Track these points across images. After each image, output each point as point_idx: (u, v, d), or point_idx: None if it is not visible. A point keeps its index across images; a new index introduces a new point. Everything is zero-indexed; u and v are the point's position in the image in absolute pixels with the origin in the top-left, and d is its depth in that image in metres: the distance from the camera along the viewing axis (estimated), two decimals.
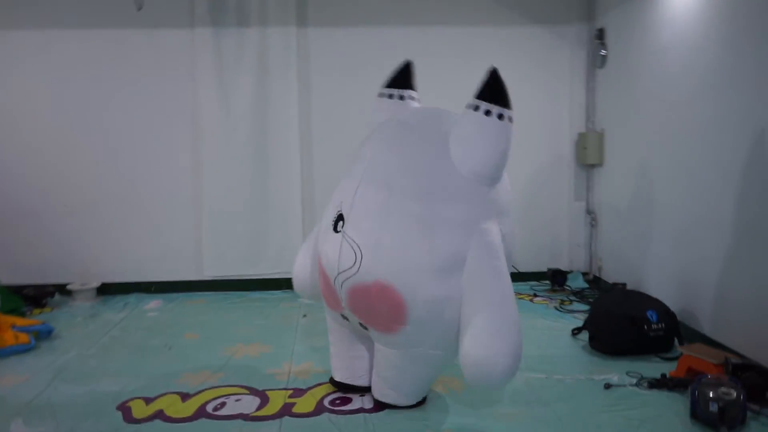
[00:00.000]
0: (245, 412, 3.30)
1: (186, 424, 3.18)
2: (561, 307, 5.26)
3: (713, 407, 2.91)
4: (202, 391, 3.60)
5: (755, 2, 3.61)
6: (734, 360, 3.34)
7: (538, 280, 6.07)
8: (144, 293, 5.99)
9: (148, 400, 3.47)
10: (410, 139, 3.08)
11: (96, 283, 5.90)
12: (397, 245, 2.89)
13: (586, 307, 5.22)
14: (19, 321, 4.65)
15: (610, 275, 5.70)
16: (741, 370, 3.24)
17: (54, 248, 5.94)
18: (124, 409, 3.37)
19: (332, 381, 3.57)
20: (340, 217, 3.06)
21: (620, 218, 5.54)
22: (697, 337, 4.09)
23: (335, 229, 3.06)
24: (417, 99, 3.47)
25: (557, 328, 4.68)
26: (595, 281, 5.99)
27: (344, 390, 3.50)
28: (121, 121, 5.90)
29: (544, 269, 6.04)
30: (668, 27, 4.56)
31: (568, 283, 5.93)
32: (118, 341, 4.62)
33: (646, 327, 3.97)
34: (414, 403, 3.30)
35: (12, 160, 5.85)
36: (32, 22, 5.75)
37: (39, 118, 5.85)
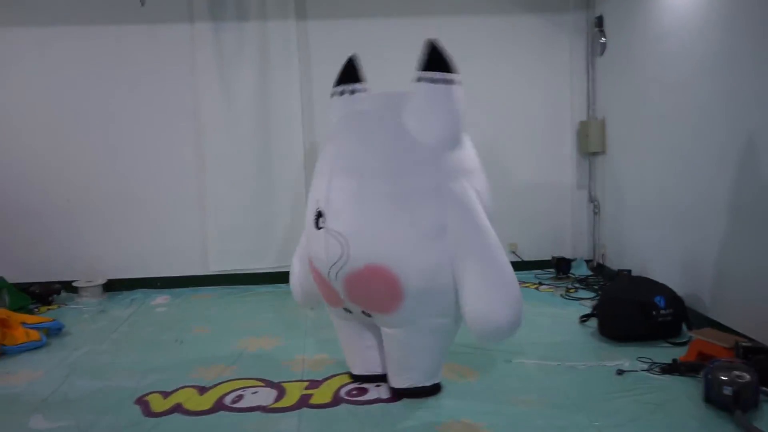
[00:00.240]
0: (263, 404, 3.32)
1: (206, 417, 3.20)
2: (567, 295, 5.31)
3: (727, 390, 2.95)
4: (219, 384, 3.62)
5: None
6: (744, 343, 3.39)
7: (542, 269, 6.11)
8: (150, 289, 6.01)
9: (165, 394, 3.49)
10: (368, 124, 3.20)
11: (102, 280, 5.91)
12: (378, 226, 2.99)
13: (591, 294, 5.27)
14: (29, 318, 4.67)
15: (614, 262, 5.75)
16: (752, 353, 3.29)
17: (58, 245, 5.95)
18: (143, 403, 3.39)
19: (351, 375, 3.62)
20: (319, 214, 3.12)
21: (623, 205, 5.58)
22: (704, 321, 4.14)
23: (317, 227, 3.12)
24: (368, 89, 3.49)
25: (565, 316, 4.72)
26: (599, 268, 6.04)
27: (363, 381, 3.54)
28: (123, 117, 5.90)
29: (548, 257, 6.09)
30: (668, 13, 4.59)
31: (572, 270, 5.98)
32: (129, 337, 4.64)
33: (654, 313, 4.01)
34: (432, 383, 3.34)
35: (14, 159, 5.84)
36: (31, 19, 5.73)
37: (40, 115, 5.84)
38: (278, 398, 3.40)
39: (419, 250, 2.98)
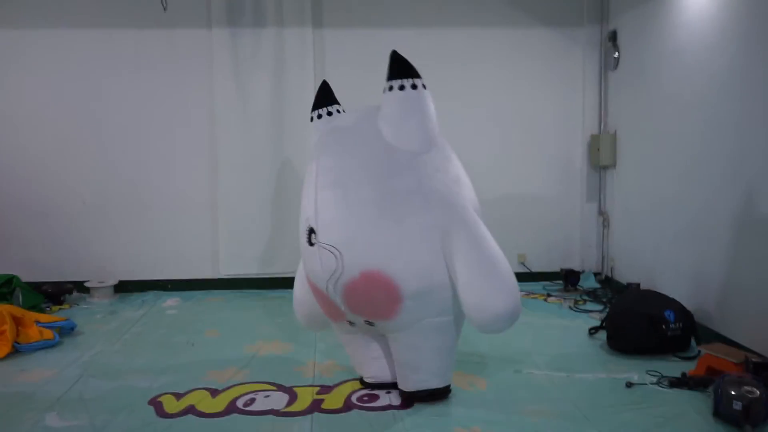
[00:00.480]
0: (276, 407, 3.36)
1: (219, 419, 3.24)
2: (575, 307, 5.34)
3: (737, 405, 2.97)
4: (231, 387, 3.66)
5: None
6: (755, 359, 3.41)
7: (550, 280, 6.14)
8: (161, 291, 6.06)
9: (178, 396, 3.53)
10: (345, 138, 3.31)
11: (113, 281, 5.96)
12: (367, 232, 3.07)
13: (600, 307, 5.29)
14: (43, 317, 4.72)
15: (623, 275, 5.77)
16: (762, 368, 3.31)
17: (72, 246, 6.01)
18: (156, 403, 3.44)
19: (362, 381, 3.65)
20: (311, 231, 3.17)
21: (632, 219, 5.61)
22: (713, 336, 4.16)
23: (310, 243, 3.18)
24: (342, 110, 3.62)
25: (573, 328, 4.74)
26: (607, 281, 6.06)
27: (374, 388, 3.57)
28: (140, 120, 5.97)
29: (557, 269, 6.12)
30: (683, 30, 4.63)
31: (581, 283, 6.00)
32: (141, 338, 4.68)
33: (664, 326, 4.03)
34: (443, 385, 3.38)
35: (32, 159, 5.92)
36: (52, 22, 5.82)
37: (58, 117, 5.91)
38: (290, 402, 3.44)
39: (410, 250, 3.07)
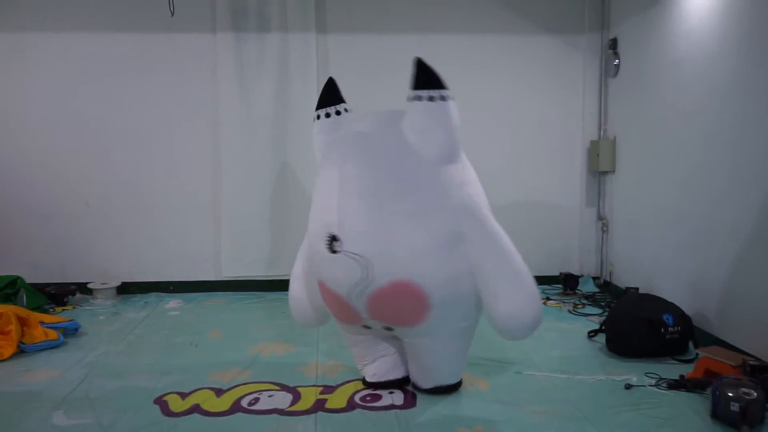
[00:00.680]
0: (280, 407, 3.41)
1: (224, 418, 3.28)
2: (574, 311, 5.39)
3: (734, 407, 3.02)
4: (235, 387, 3.70)
5: None
6: (752, 362, 3.46)
7: (549, 284, 6.19)
8: (163, 293, 6.11)
9: (183, 395, 3.57)
10: (371, 146, 3.24)
11: (116, 283, 6.01)
12: (399, 243, 3.06)
13: (598, 311, 5.35)
14: (47, 318, 4.75)
15: (621, 280, 5.83)
16: (759, 371, 3.36)
17: (74, 248, 6.06)
18: (161, 403, 3.48)
19: (365, 382, 3.69)
20: (333, 238, 3.12)
21: (631, 224, 5.67)
22: (710, 339, 4.21)
23: (332, 251, 3.13)
24: (350, 109, 3.60)
25: (573, 331, 4.79)
26: (606, 285, 6.12)
27: (377, 388, 3.62)
28: (144, 123, 6.02)
29: (556, 273, 6.17)
30: (683, 39, 4.69)
31: (579, 287, 6.07)
32: (144, 339, 4.72)
33: (663, 330, 4.09)
34: (457, 380, 3.56)
35: (36, 162, 5.97)
36: (57, 25, 5.87)
37: (62, 120, 5.96)
38: (294, 402, 3.48)
39: (439, 260, 3.10)
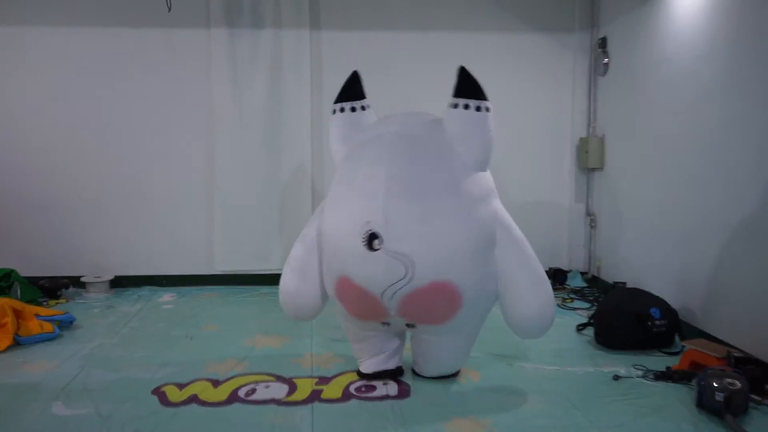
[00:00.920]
0: (277, 397, 3.47)
1: (222, 408, 3.34)
2: (563, 305, 5.48)
3: (719, 397, 3.12)
4: (231, 378, 3.76)
5: (760, 14, 3.83)
6: (736, 354, 3.57)
7: None
8: (156, 286, 6.15)
9: (180, 386, 3.62)
10: (417, 148, 3.28)
11: (109, 276, 6.04)
12: (443, 245, 3.14)
13: (587, 305, 5.46)
14: (43, 311, 4.78)
15: (609, 275, 5.93)
16: (743, 363, 3.46)
17: (67, 241, 6.08)
18: (159, 393, 3.52)
19: (359, 373, 3.77)
20: (373, 236, 3.14)
21: (619, 220, 5.77)
22: (696, 332, 4.32)
23: (371, 249, 3.15)
24: (370, 106, 3.63)
25: (562, 324, 4.86)
26: (594, 280, 6.22)
27: (372, 379, 3.69)
28: (137, 117, 6.05)
29: (545, 268, 6.22)
30: (672, 39, 4.79)
31: (568, 282, 6.17)
32: (139, 332, 4.76)
33: (650, 323, 4.19)
34: (457, 370, 3.77)
35: (29, 155, 5.99)
36: (51, 20, 5.89)
37: (56, 114, 5.98)
38: (290, 392, 3.54)
39: (476, 263, 3.23)
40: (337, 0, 6.09)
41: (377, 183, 3.18)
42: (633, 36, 5.43)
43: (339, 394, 3.52)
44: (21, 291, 5.32)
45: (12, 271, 5.39)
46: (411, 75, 6.05)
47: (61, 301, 5.66)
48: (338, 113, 3.56)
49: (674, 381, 3.65)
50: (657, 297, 4.46)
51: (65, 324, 4.76)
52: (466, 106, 3.27)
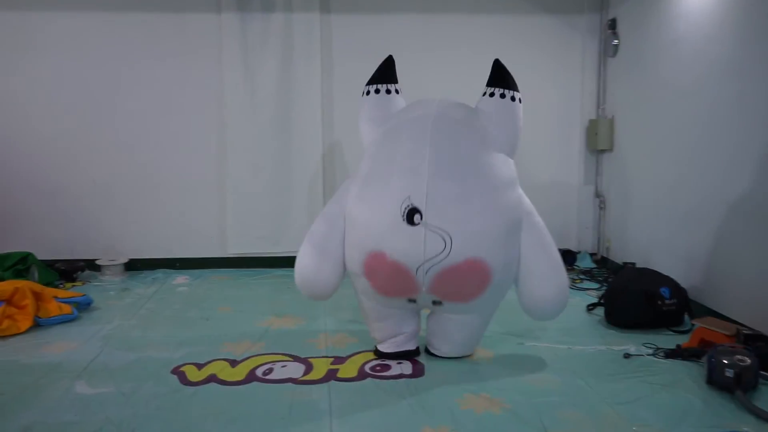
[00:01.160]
0: (294, 376, 3.54)
1: (241, 387, 3.41)
2: (573, 285, 5.53)
3: (729, 373, 3.17)
4: (248, 358, 3.83)
5: None
6: (745, 331, 3.62)
7: None
8: (169, 269, 6.22)
9: (199, 366, 3.70)
10: (459, 131, 3.42)
11: (123, 259, 6.12)
12: (480, 224, 3.27)
13: (596, 285, 5.51)
14: (61, 293, 4.87)
15: (618, 255, 5.98)
16: (752, 340, 3.52)
17: (83, 225, 6.15)
18: (179, 373, 3.60)
19: (376, 352, 3.83)
20: (413, 210, 3.23)
21: (628, 201, 5.81)
22: (705, 311, 4.37)
23: (411, 222, 3.23)
24: (401, 91, 3.76)
25: (572, 305, 4.83)
26: (603, 261, 6.27)
27: (386, 358, 3.76)
28: (149, 102, 6.09)
29: None
30: (681, 19, 4.80)
31: (577, 263, 6.22)
32: (156, 313, 4.84)
33: (660, 302, 4.24)
34: (471, 353, 3.84)
35: (43, 140, 6.03)
36: (59, 4, 5.91)
37: (69, 98, 6.02)
38: (306, 372, 3.61)
39: (506, 244, 3.37)
40: None
41: (420, 160, 3.29)
42: (643, 17, 5.43)
43: (355, 373, 3.59)
44: (38, 274, 5.40)
45: (29, 254, 5.47)
46: (421, 58, 6.05)
47: (77, 283, 5.74)
48: (372, 94, 3.67)
49: (684, 358, 3.71)
50: (666, 276, 4.50)
51: (83, 306, 4.84)
52: (502, 95, 3.47)
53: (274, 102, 6.08)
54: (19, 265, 5.35)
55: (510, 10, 6.19)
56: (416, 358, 3.76)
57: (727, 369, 3.19)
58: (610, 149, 6.13)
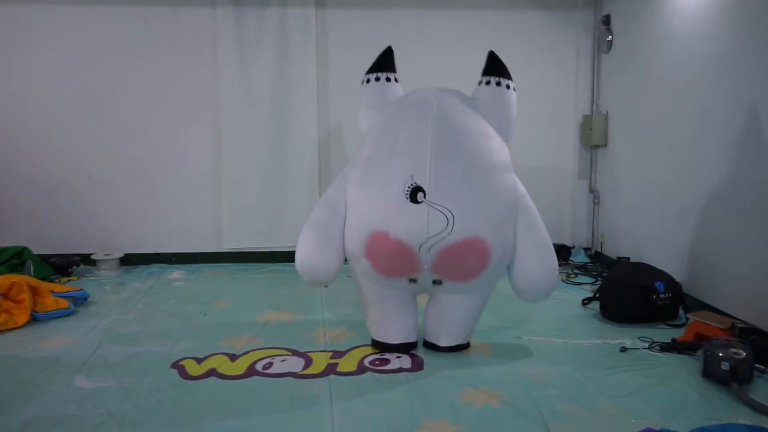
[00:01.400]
0: (293, 370, 3.55)
1: (241, 381, 3.43)
2: (567, 280, 5.58)
3: (724, 366, 3.21)
4: (248, 352, 3.84)
5: None
6: (740, 324, 3.67)
7: None
8: (165, 264, 6.22)
9: (199, 360, 3.71)
10: (459, 115, 3.50)
11: (119, 254, 6.11)
12: (480, 204, 3.38)
13: (590, 280, 5.55)
14: (58, 287, 4.87)
15: (612, 250, 6.03)
16: (747, 333, 3.57)
17: (77, 220, 6.15)
18: (179, 367, 3.61)
19: (374, 345, 3.86)
20: (417, 189, 3.32)
21: (622, 196, 5.86)
22: (699, 305, 4.42)
23: (414, 200, 3.32)
24: (398, 81, 3.83)
25: (567, 299, 4.98)
26: (597, 256, 6.32)
27: (385, 352, 3.79)
28: (144, 96, 6.08)
29: None
30: (675, 15, 4.84)
31: (572, 257, 6.26)
32: (153, 307, 4.84)
33: (655, 296, 4.28)
34: (469, 340, 3.89)
35: (40, 135, 6.03)
36: None
37: (64, 92, 6.01)
38: (306, 366, 3.63)
39: (504, 224, 3.50)
40: None
41: (423, 141, 3.39)
42: (637, 14, 5.47)
43: (354, 368, 3.61)
44: (34, 268, 5.39)
45: (24, 248, 5.46)
46: (416, 52, 6.04)
47: (72, 278, 5.73)
48: (372, 82, 3.73)
49: (680, 352, 3.75)
50: (661, 271, 4.54)
51: (80, 300, 4.84)
52: (498, 83, 3.57)
53: (269, 96, 6.08)
54: (15, 259, 5.34)
55: (504, 6, 6.22)
56: (415, 353, 3.79)
57: (722, 362, 3.23)
58: (605, 145, 6.16)
